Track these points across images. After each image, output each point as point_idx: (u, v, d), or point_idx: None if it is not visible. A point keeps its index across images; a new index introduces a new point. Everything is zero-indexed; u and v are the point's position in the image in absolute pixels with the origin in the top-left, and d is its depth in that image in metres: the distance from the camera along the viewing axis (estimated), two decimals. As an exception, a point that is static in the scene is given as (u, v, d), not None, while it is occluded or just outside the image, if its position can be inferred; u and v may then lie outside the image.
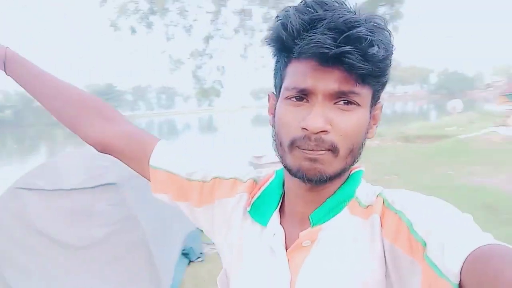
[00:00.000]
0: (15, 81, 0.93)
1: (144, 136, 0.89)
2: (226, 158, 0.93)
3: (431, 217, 0.59)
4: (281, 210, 0.78)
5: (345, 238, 0.68)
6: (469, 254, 0.51)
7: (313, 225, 0.71)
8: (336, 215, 0.71)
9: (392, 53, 0.65)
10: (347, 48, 0.60)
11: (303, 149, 0.65)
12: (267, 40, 0.70)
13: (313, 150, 0.64)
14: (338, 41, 0.60)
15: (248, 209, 0.80)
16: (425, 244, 0.56)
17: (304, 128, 0.64)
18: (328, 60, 0.61)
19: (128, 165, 0.90)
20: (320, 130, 0.63)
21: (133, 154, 0.88)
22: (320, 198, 0.72)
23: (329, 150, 0.65)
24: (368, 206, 0.69)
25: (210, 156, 0.90)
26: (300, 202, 0.74)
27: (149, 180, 0.87)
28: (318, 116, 0.63)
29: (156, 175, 0.85)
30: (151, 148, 0.86)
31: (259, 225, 0.78)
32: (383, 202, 0.67)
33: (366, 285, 0.65)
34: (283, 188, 0.79)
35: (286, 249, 0.73)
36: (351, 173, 0.74)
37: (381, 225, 0.65)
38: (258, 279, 0.76)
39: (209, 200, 0.84)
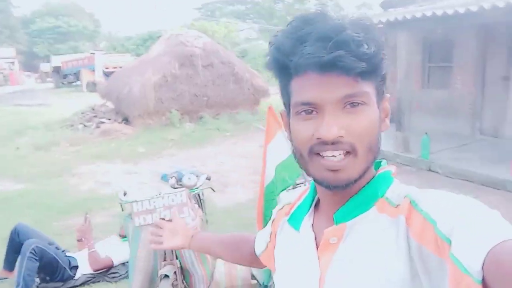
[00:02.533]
0: (197, 250, 1.33)
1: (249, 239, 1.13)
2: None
3: (456, 215, 0.59)
4: (317, 214, 0.82)
5: (372, 236, 0.70)
6: (491, 249, 0.50)
7: (336, 223, 0.74)
8: (362, 213, 0.72)
9: (383, 48, 0.68)
10: (339, 52, 0.63)
11: (323, 155, 0.68)
12: (267, 66, 0.74)
13: (332, 155, 0.67)
14: (328, 48, 0.63)
15: (287, 218, 0.88)
16: (450, 242, 0.56)
17: (319, 139, 0.67)
18: (324, 68, 0.65)
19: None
20: (334, 138, 0.66)
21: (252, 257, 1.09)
22: (344, 197, 0.74)
23: (348, 152, 0.67)
24: (397, 205, 0.69)
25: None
26: (327, 203, 0.78)
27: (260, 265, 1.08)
28: (331, 125, 0.66)
29: (262, 259, 1.04)
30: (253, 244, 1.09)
31: (294, 230, 0.84)
32: (410, 203, 0.68)
33: (390, 282, 0.65)
34: (315, 193, 0.83)
35: (317, 249, 0.77)
36: (378, 173, 0.76)
37: (408, 226, 0.65)
38: (291, 278, 0.81)
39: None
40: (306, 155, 0.70)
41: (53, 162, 8.08)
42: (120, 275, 3.88)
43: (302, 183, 2.78)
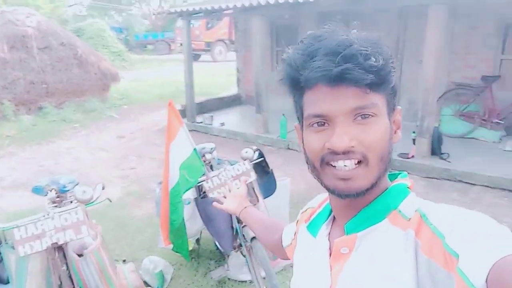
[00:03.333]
0: (243, 220, 1.36)
1: (280, 228, 1.16)
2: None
3: (464, 229, 0.60)
4: (334, 224, 0.84)
5: (383, 247, 0.71)
6: (495, 263, 0.51)
7: (347, 233, 0.76)
8: (374, 224, 0.73)
9: (391, 62, 0.71)
10: (346, 65, 0.66)
11: (333, 165, 0.70)
12: (280, 81, 0.77)
13: (344, 164, 0.69)
14: (337, 61, 0.66)
15: (307, 225, 0.91)
16: (457, 256, 0.57)
17: (330, 149, 0.69)
18: (333, 80, 0.67)
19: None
20: (346, 147, 0.68)
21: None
22: (356, 208, 0.76)
23: (359, 162, 0.69)
24: (410, 219, 0.71)
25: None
26: (340, 213, 0.80)
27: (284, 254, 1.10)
28: (342, 135, 0.68)
29: (288, 251, 1.07)
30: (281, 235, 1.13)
31: (311, 237, 0.87)
32: (421, 216, 0.69)
33: None
34: None
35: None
36: (392, 185, 0.77)
37: (418, 239, 0.67)
38: (304, 283, 0.84)
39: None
40: (318, 166, 0.73)
41: None
42: None
43: (204, 180, 2.72)
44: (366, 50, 0.67)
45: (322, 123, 0.71)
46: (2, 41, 8.93)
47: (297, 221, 1.00)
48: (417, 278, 0.65)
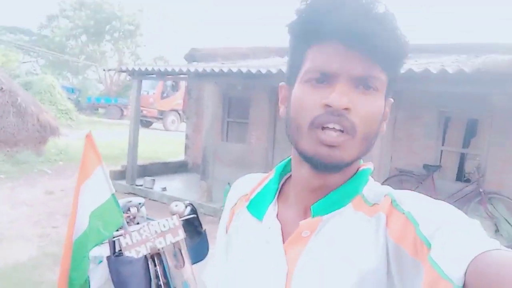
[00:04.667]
0: None
1: None
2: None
3: (438, 219, 0.59)
4: (282, 204, 0.78)
5: (346, 232, 0.68)
6: (475, 258, 0.50)
7: (313, 216, 0.70)
8: (339, 209, 0.70)
9: (409, 44, 0.67)
10: (379, 27, 0.61)
11: (324, 130, 0.64)
12: (289, 24, 0.69)
13: (332, 132, 0.64)
14: (369, 20, 0.60)
15: (246, 204, 0.81)
16: (429, 245, 0.56)
17: (327, 105, 0.64)
18: (356, 40, 0.61)
19: None
20: (344, 107, 0.63)
21: None
22: (325, 190, 0.71)
23: (347, 133, 0.64)
24: (374, 204, 0.68)
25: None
26: (305, 193, 0.73)
27: None
28: (343, 94, 0.63)
29: None
30: None
31: (255, 219, 0.78)
32: (391, 202, 0.67)
33: (363, 280, 0.64)
34: (279, 183, 0.80)
35: (284, 242, 0.72)
36: (359, 169, 0.73)
37: (387, 225, 0.65)
38: (252, 271, 0.74)
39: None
40: (306, 128, 0.66)
41: None
42: None
43: (121, 235, 2.34)
44: (397, 22, 0.63)
45: (322, 80, 0.66)
46: None
47: (230, 215, 0.87)
48: (382, 264, 0.63)
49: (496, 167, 6.36)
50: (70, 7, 28.41)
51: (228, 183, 6.88)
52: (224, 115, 9.40)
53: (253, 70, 6.22)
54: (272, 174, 0.82)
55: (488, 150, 6.46)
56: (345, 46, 0.63)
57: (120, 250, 2.34)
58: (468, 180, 6.65)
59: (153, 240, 2.39)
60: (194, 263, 2.55)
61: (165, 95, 21.38)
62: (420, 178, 6.72)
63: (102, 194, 2.25)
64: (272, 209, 0.77)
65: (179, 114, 22.03)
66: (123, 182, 8.12)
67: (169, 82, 20.18)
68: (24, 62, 30.47)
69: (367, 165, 0.75)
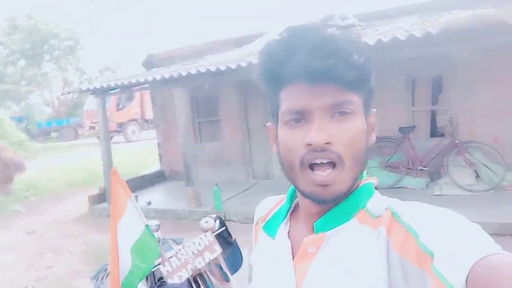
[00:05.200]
0: None
1: None
2: None
3: (438, 227, 0.60)
4: (294, 223, 0.81)
5: (351, 246, 0.69)
6: (475, 264, 0.51)
7: (316, 232, 0.73)
8: (342, 224, 0.72)
9: (371, 61, 0.71)
10: (331, 61, 0.65)
11: (314, 171, 0.68)
12: (256, 75, 0.75)
13: (321, 164, 0.68)
14: (320, 57, 0.65)
15: (263, 226, 0.87)
16: (432, 255, 0.57)
17: (308, 144, 0.67)
18: (315, 77, 0.66)
19: None
20: (324, 142, 0.66)
21: None
22: (326, 207, 0.73)
23: (335, 165, 0.68)
24: (378, 217, 0.70)
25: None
26: (307, 212, 0.77)
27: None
28: (320, 130, 0.67)
29: None
30: None
31: (269, 238, 0.83)
32: (392, 215, 0.68)
33: None
34: (291, 202, 0.84)
35: (294, 258, 0.75)
36: (360, 184, 0.75)
37: (390, 237, 0.66)
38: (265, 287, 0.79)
39: None
40: (298, 168, 0.70)
41: None
42: None
43: (160, 264, 2.26)
44: (349, 47, 0.67)
45: (299, 119, 0.69)
46: None
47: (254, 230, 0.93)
48: (388, 277, 0.64)
49: (466, 118, 6.65)
50: (2, 32, 26.73)
51: (216, 184, 6.82)
52: (194, 116, 9.24)
53: (222, 67, 6.13)
54: (286, 197, 0.86)
55: (456, 103, 6.74)
56: (308, 84, 0.67)
57: (162, 279, 2.27)
58: (442, 135, 6.93)
59: (192, 262, 2.33)
60: (233, 274, 2.51)
61: (120, 106, 20.75)
62: (397, 141, 6.93)
63: (137, 227, 2.16)
64: (283, 228, 0.81)
65: (138, 123, 21.50)
66: (105, 205, 7.84)
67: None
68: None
69: (369, 179, 0.77)
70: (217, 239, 2.52)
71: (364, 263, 0.66)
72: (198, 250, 2.34)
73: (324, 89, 0.67)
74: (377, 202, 0.73)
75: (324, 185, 0.68)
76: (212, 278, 2.38)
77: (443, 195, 6.22)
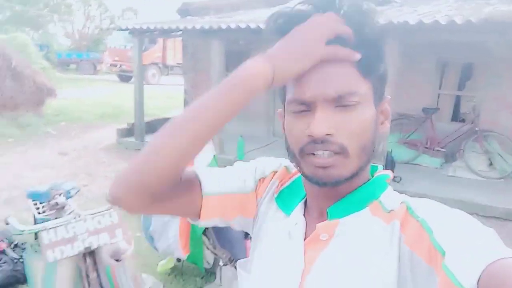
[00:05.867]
0: None
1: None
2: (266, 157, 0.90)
3: (453, 227, 0.59)
4: (306, 204, 0.79)
5: (363, 237, 0.68)
6: (488, 265, 0.50)
7: (330, 218, 0.72)
8: (356, 212, 0.71)
9: (383, 45, 0.69)
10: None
11: (313, 154, 0.67)
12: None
13: (322, 154, 0.66)
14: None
15: (276, 195, 0.82)
16: (444, 253, 0.56)
17: (309, 136, 0.66)
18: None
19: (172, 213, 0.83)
20: (324, 134, 0.65)
21: (187, 196, 0.79)
22: (339, 193, 0.72)
23: (338, 153, 0.66)
24: (391, 211, 0.69)
25: (252, 161, 0.89)
26: (319, 199, 0.75)
27: (196, 213, 0.80)
28: (321, 121, 0.64)
29: (209, 202, 0.80)
30: (196, 179, 0.80)
31: (282, 213, 0.79)
32: (407, 209, 0.67)
33: (377, 286, 0.65)
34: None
35: (305, 239, 0.74)
36: (376, 175, 0.75)
37: (403, 232, 0.65)
38: (271, 263, 0.76)
39: (257, 202, 0.84)
40: (298, 155, 0.70)
41: None
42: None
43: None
44: (364, 14, 0.65)
45: (303, 108, 0.68)
46: None
47: (261, 179, 0.85)
48: (398, 271, 0.64)
49: (490, 107, 6.91)
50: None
51: (241, 136, 7.20)
52: (224, 69, 9.50)
53: (262, 25, 6.32)
54: None
55: (483, 91, 6.98)
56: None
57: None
58: (463, 120, 7.22)
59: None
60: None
61: (143, 48, 20.89)
62: (419, 121, 7.21)
63: (206, 156, 2.54)
64: (300, 207, 0.78)
65: (159, 67, 21.67)
66: (132, 139, 8.29)
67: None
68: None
69: (384, 172, 0.76)
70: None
71: (375, 255, 0.66)
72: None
73: (329, 72, 0.65)
74: (391, 196, 0.72)
75: (324, 167, 0.66)
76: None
77: (456, 176, 6.58)
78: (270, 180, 0.84)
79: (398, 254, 0.64)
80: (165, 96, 14.61)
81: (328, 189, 0.70)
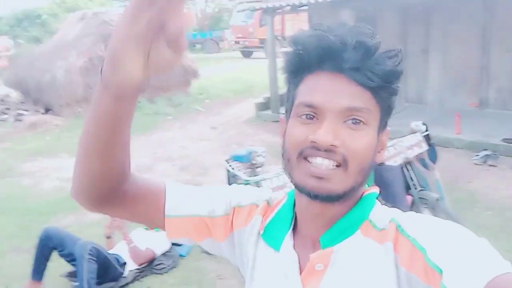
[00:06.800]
0: None
1: (150, 184, 0.80)
2: (244, 186, 0.89)
3: (446, 243, 0.58)
4: (295, 233, 0.76)
5: (359, 261, 0.68)
6: (488, 283, 0.50)
7: (323, 247, 0.70)
8: (348, 237, 0.69)
9: (399, 78, 0.67)
10: (363, 55, 0.63)
11: (311, 161, 0.65)
12: (284, 66, 0.71)
13: (320, 165, 0.65)
14: (352, 49, 0.63)
15: (261, 232, 0.79)
16: (441, 272, 0.55)
17: (313, 142, 0.64)
18: (341, 67, 0.64)
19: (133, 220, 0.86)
20: (329, 144, 0.63)
21: (146, 210, 0.79)
22: (330, 219, 0.70)
23: (339, 165, 0.65)
24: (382, 229, 0.68)
25: (226, 187, 0.87)
26: (311, 224, 0.73)
27: (162, 229, 0.80)
28: (329, 131, 0.63)
29: (172, 223, 0.79)
30: (162, 196, 0.78)
31: (272, 250, 0.76)
32: (397, 228, 0.66)
33: None
34: (294, 210, 0.77)
35: (301, 273, 0.72)
36: (364, 194, 0.73)
37: (396, 253, 0.64)
38: None
39: (229, 230, 0.82)
40: (295, 159, 0.67)
41: (-16, 163, 7.06)
42: (167, 266, 3.81)
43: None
44: (385, 53, 0.64)
45: (311, 116, 0.66)
46: (99, 40, 9.71)
47: (240, 207, 0.82)
48: None
49: None
50: None
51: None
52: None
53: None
54: (284, 200, 0.80)
55: None
56: (331, 75, 0.64)
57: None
58: None
59: (404, 152, 3.17)
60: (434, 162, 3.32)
61: (263, 23, 21.68)
62: None
63: None
64: (288, 239, 0.75)
65: (278, 40, 22.34)
66: (269, 112, 9.11)
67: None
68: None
69: (371, 189, 0.75)
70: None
71: (374, 279, 0.65)
72: (410, 144, 3.16)
73: (345, 86, 0.64)
74: (380, 213, 0.71)
75: (319, 178, 0.64)
76: (417, 166, 3.22)
77: None
78: (251, 213, 0.81)
79: (396, 276, 0.63)
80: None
81: (319, 209, 0.69)
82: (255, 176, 3.00)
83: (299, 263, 0.72)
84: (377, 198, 0.74)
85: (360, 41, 0.63)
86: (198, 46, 27.62)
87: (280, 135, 0.74)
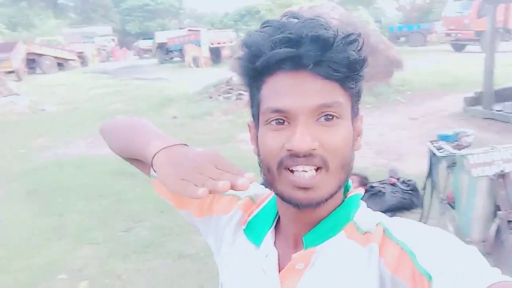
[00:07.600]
0: None
1: None
2: None
3: (435, 249, 0.57)
4: (277, 231, 0.75)
5: (340, 263, 0.66)
6: None
7: (306, 247, 0.68)
8: (331, 237, 0.68)
9: (366, 62, 0.64)
10: (329, 53, 0.59)
11: (293, 170, 0.62)
12: (238, 71, 0.69)
13: (303, 170, 0.62)
14: (311, 42, 0.59)
15: (244, 227, 0.78)
16: (430, 278, 0.54)
17: (289, 150, 0.61)
18: (304, 68, 0.60)
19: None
20: (308, 149, 0.60)
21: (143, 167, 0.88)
22: (314, 219, 0.69)
23: (319, 168, 0.62)
24: (366, 232, 0.66)
25: None
26: (293, 224, 0.71)
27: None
28: (304, 135, 0.60)
29: (157, 183, 0.85)
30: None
31: (252, 245, 0.76)
32: (384, 231, 0.64)
33: None
34: (277, 210, 0.76)
35: (279, 271, 0.71)
36: (348, 196, 0.72)
37: (381, 256, 0.62)
38: None
39: (207, 212, 0.84)
40: (275, 170, 0.64)
41: (213, 130, 8.65)
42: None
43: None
44: (347, 36, 0.61)
45: (281, 121, 0.63)
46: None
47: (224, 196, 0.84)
48: None
49: None
50: None
51: None
52: None
53: None
54: (270, 197, 0.79)
55: None
56: (293, 74, 0.61)
57: None
58: None
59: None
60: None
61: (482, 13, 19.62)
62: None
63: None
64: (270, 236, 0.74)
65: (499, 32, 19.88)
66: (479, 108, 8.43)
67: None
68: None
69: (356, 191, 0.73)
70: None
71: (353, 280, 0.64)
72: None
73: (310, 84, 0.61)
74: (365, 216, 0.70)
75: (306, 189, 0.63)
76: None
77: None
78: (231, 204, 0.82)
79: (379, 278, 0.61)
80: (501, 65, 13.49)
81: (303, 213, 0.67)
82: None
83: (279, 260, 0.72)
84: (362, 199, 0.74)
85: (316, 34, 0.60)
86: (402, 39, 26.89)
87: (251, 141, 0.73)
